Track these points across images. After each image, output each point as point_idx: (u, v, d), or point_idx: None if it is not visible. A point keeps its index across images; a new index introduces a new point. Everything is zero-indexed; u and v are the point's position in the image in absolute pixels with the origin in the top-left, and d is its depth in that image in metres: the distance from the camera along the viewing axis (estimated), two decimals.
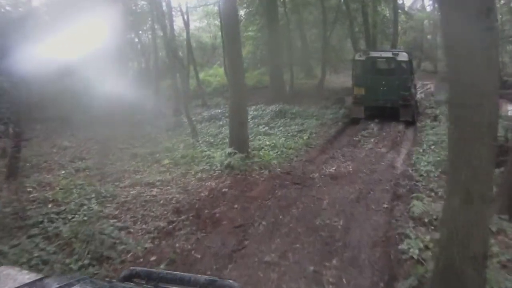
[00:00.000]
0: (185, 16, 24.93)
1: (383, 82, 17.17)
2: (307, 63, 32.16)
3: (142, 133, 16.85)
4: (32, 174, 11.32)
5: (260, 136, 14.88)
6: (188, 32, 25.47)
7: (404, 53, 17.87)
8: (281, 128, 16.40)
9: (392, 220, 7.79)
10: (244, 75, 13.08)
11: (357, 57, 18.05)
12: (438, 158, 11.04)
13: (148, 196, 9.30)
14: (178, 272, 2.20)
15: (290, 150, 13.28)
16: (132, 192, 9.60)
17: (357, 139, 14.94)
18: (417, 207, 7.91)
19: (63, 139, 16.23)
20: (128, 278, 2.17)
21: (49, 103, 19.01)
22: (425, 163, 10.98)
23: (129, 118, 19.79)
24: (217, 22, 29.51)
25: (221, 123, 17.74)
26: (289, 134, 15.26)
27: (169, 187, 9.93)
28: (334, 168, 11.59)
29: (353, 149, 13.65)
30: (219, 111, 20.20)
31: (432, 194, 8.97)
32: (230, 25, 12.34)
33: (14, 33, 11.05)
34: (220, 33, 24.47)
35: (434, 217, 7.50)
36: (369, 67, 17.59)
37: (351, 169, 11.42)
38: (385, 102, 17.11)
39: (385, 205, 8.61)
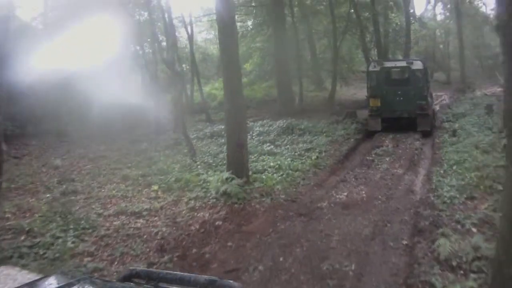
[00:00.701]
0: (189, 28, 23.95)
1: (399, 92, 16.94)
2: (317, 75, 31.04)
3: (139, 150, 15.89)
4: (15, 197, 10.48)
5: (264, 156, 13.67)
6: (191, 44, 24.50)
7: (419, 62, 17.50)
8: (287, 146, 15.17)
9: (413, 263, 6.51)
10: (242, 89, 11.79)
11: (371, 68, 17.73)
12: (463, 182, 9.76)
13: (132, 229, 8.14)
14: (178, 272, 2.26)
15: (297, 172, 12.03)
16: (115, 223, 8.49)
17: (370, 158, 13.69)
18: (444, 246, 6.63)
19: (57, 156, 15.29)
20: (128, 278, 2.17)
21: (48, 116, 18.28)
22: (448, 188, 9.65)
23: (128, 133, 18.88)
24: None
25: (223, 140, 16.43)
26: (296, 153, 14.01)
27: (156, 218, 8.74)
28: (345, 194, 10.35)
29: (367, 170, 12.42)
30: (223, 127, 19.03)
31: (459, 227, 7.66)
32: (226, 33, 11.10)
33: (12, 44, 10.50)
34: None
35: (464, 259, 6.25)
36: (384, 78, 17.29)
37: (364, 195, 10.18)
38: (402, 112, 16.78)
39: (405, 242, 7.35)
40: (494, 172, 9.93)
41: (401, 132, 16.71)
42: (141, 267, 5.78)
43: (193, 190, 10.43)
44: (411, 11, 34.61)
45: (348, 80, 29.90)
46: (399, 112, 16.78)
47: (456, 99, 23.66)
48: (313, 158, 13.49)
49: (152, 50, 23.94)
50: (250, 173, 11.25)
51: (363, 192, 10.41)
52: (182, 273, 2.18)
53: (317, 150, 14.40)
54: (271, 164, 12.59)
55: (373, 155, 13.97)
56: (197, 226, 8.19)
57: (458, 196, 9.15)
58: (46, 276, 2.06)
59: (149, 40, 25.89)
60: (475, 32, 36.14)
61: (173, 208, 9.33)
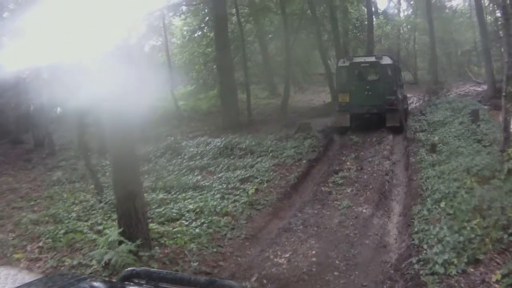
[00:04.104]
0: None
1: (368, 87, 16.72)
2: (270, 80, 28.00)
3: (52, 181, 12.69)
4: None
5: (187, 193, 10.14)
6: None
7: (388, 57, 17.65)
8: (222, 174, 11.68)
9: None
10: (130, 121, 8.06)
11: (340, 64, 17.69)
12: (461, 238, 6.30)
13: None
14: (178, 272, 2.76)
15: (225, 218, 8.53)
16: None
17: (326, 189, 10.23)
18: None
19: None
20: (128, 278, 2.18)
21: None
22: (439, 247, 6.20)
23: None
24: None
25: (145, 168, 13.12)
26: (229, 186, 10.54)
27: None
28: (287, 255, 6.93)
29: (321, 210, 8.97)
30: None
31: None
32: None
33: None
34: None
35: None
36: (353, 73, 17.12)
37: (314, 259, 6.71)
38: (370, 108, 16.51)
39: None
40: (502, 215, 6.64)
41: (367, 147, 13.95)
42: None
43: (74, 254, 7.17)
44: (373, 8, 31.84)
45: (303, 85, 26.79)
46: (368, 107, 16.46)
47: (429, 102, 20.30)
48: (250, 192, 10.07)
49: None
50: (158, 224, 8.28)
51: (313, 252, 6.99)
52: (182, 273, 2.58)
53: (257, 180, 10.99)
54: (190, 206, 9.07)
55: (331, 184, 10.52)
56: None
57: (455, 261, 5.76)
58: (46, 276, 2.32)
59: None
60: (444, 27, 33.34)
61: None
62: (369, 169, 11.49)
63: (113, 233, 6.92)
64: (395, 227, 8.01)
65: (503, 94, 9.38)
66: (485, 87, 25.93)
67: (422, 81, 32.07)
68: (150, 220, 8.10)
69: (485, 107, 18.87)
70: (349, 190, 9.91)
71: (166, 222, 8.40)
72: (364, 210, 8.70)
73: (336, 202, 9.30)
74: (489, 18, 30.00)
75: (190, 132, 19.00)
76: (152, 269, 2.61)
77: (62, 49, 6.34)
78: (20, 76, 14.02)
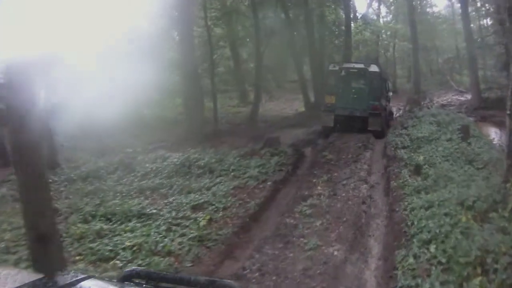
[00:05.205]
0: None
1: (353, 91, 17.52)
2: (241, 87, 26.48)
3: None
4: None
5: (128, 224, 8.42)
6: None
7: (375, 65, 18.47)
8: (174, 197, 9.96)
9: None
10: (40, 151, 6.35)
11: (330, 68, 18.63)
12: None
13: None
14: (178, 273, 2.78)
15: (166, 259, 6.88)
16: None
17: (292, 221, 8.47)
18: None
19: None
20: (128, 278, 2.16)
21: None
22: None
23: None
24: None
25: (93, 186, 11.35)
26: (179, 214, 8.78)
27: None
28: None
29: (283, 250, 7.26)
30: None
31: None
32: None
33: None
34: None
35: None
36: (341, 77, 17.81)
37: None
38: (354, 110, 17.13)
39: None
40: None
41: (341, 166, 12.23)
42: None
43: None
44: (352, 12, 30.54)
45: (275, 93, 25.35)
46: (351, 110, 17.07)
47: (410, 114, 18.63)
48: (201, 224, 8.32)
49: None
50: (89, 263, 6.90)
51: None
52: (182, 274, 2.50)
53: (212, 206, 9.30)
54: (128, 243, 7.35)
55: (297, 215, 8.76)
56: None
57: None
58: (46, 276, 2.07)
59: None
60: (426, 33, 32.08)
61: None
62: (343, 194, 9.79)
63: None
64: (373, 277, 6.37)
65: (508, 112, 7.76)
66: (468, 96, 24.82)
67: (402, 90, 30.81)
68: (80, 258, 6.94)
69: (471, 118, 17.61)
70: (318, 223, 8.19)
71: (98, 262, 6.91)
72: (335, 252, 7.01)
73: (302, 239, 7.59)
74: (472, 26, 28.86)
75: (151, 143, 17.38)
76: (152, 269, 2.76)
77: None
78: None
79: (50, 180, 11.89)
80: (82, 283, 1.97)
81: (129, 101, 20.39)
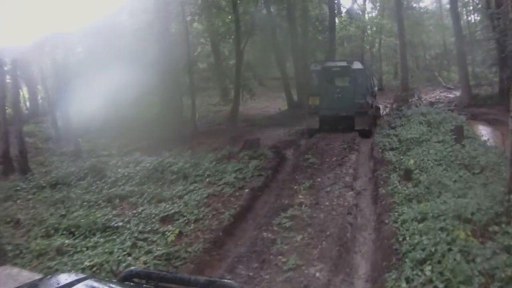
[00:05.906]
0: None
1: (338, 90, 17.12)
2: (222, 85, 25.88)
3: None
4: None
5: (91, 239, 7.77)
6: None
7: (358, 62, 17.94)
8: (143, 207, 9.25)
9: None
10: None
11: (312, 67, 18.11)
12: None
13: None
14: (178, 273, 2.65)
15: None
16: None
17: (270, 235, 7.59)
18: None
19: None
20: (128, 278, 2.17)
21: None
22: None
23: None
24: None
25: (61, 194, 10.72)
26: (146, 228, 8.05)
27: None
28: None
29: (259, 271, 6.43)
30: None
31: None
32: None
33: None
34: None
35: None
36: (324, 77, 17.35)
37: None
38: (339, 111, 16.54)
39: None
40: None
41: (325, 170, 11.38)
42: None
43: None
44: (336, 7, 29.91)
45: (255, 91, 24.61)
46: (337, 110, 16.54)
47: (398, 113, 17.78)
48: (169, 239, 7.55)
49: None
50: None
51: None
52: (182, 274, 2.47)
53: (183, 218, 8.53)
54: (87, 263, 6.65)
55: (276, 227, 7.88)
56: None
57: None
58: (46, 276, 2.07)
59: None
60: (413, 29, 31.46)
61: None
62: (327, 203, 8.91)
63: None
64: None
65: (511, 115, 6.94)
66: (457, 93, 24.22)
67: (389, 87, 30.20)
68: None
69: (461, 116, 16.89)
70: (299, 238, 7.31)
71: None
72: (317, 274, 6.16)
73: (280, 257, 6.73)
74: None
75: (126, 146, 16.58)
76: (152, 269, 2.68)
77: None
78: None
79: (19, 188, 11.33)
80: (82, 283, 1.96)
81: (107, 102, 19.57)
